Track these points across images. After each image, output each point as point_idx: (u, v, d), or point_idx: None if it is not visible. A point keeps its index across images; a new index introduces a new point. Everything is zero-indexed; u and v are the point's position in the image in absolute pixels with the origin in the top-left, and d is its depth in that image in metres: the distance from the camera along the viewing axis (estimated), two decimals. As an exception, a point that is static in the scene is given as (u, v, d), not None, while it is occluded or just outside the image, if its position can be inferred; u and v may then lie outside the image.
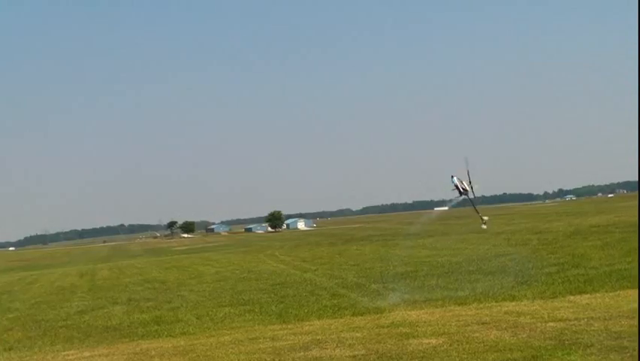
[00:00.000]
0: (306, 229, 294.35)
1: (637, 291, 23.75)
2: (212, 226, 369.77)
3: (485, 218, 26.59)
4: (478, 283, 32.20)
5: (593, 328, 16.20)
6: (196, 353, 18.77)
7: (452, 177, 25.28)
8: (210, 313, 30.86)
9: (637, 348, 13.31)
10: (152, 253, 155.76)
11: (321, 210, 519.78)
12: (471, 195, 25.50)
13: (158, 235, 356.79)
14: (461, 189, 24.90)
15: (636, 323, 16.28)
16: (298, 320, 25.60)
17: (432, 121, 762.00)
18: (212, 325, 26.87)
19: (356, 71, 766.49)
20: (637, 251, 35.90)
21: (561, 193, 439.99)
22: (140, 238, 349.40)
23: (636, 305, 19.90)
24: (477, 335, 16.79)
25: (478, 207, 26.58)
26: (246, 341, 20.04)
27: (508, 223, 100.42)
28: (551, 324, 17.46)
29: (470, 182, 25.19)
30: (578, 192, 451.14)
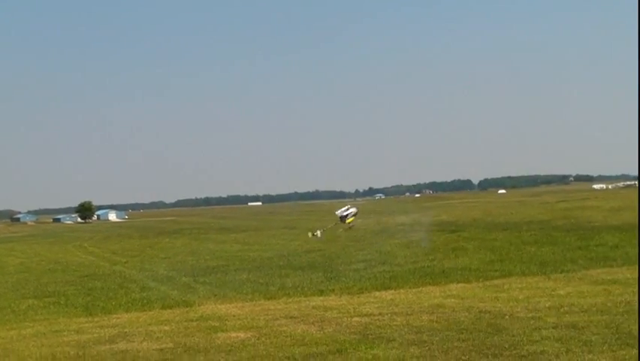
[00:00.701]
0: (117, 220, 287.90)
1: (439, 288, 24.94)
2: (18, 215, 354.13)
3: (318, 233, 26.99)
4: (288, 278, 32.68)
5: (395, 322, 16.78)
6: (-6, 347, 17.98)
7: (356, 209, 25.43)
8: (12, 305, 29.54)
9: (435, 342, 13.92)
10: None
11: (133, 201, 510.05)
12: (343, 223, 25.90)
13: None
14: (344, 217, 25.08)
15: (435, 318, 17.06)
16: (105, 312, 24.97)
17: (242, 118, 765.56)
18: (14, 317, 25.73)
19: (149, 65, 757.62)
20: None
21: (371, 192, 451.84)
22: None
23: (436, 301, 20.89)
24: (285, 328, 17.02)
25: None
26: (49, 334, 19.39)
27: (320, 220, 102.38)
28: (357, 319, 17.94)
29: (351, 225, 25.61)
30: (387, 192, 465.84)
